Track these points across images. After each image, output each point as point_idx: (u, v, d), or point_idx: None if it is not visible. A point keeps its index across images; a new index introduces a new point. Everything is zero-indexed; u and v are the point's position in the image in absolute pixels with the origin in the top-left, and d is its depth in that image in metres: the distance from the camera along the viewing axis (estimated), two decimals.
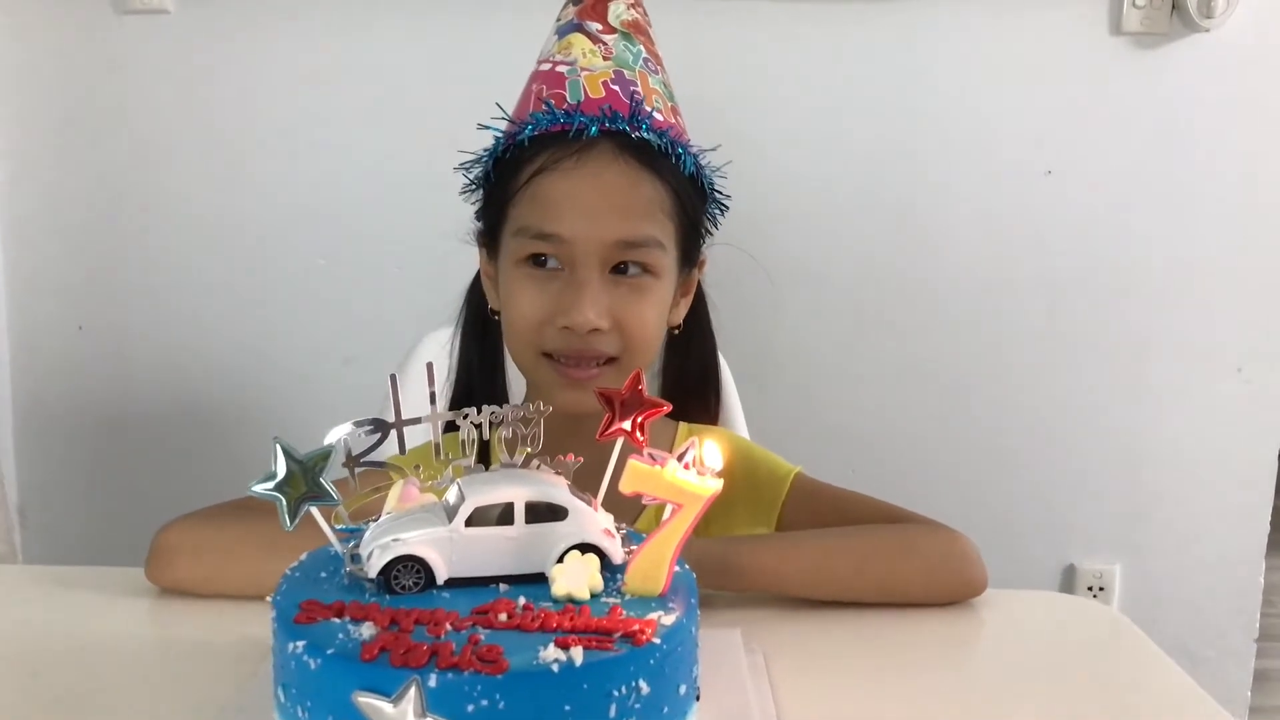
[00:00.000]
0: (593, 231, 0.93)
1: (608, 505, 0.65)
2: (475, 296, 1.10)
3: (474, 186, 1.03)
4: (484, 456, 0.67)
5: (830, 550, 0.92)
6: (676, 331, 1.06)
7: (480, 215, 1.04)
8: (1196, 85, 1.81)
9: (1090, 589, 1.94)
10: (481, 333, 1.09)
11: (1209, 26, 1.76)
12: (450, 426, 0.66)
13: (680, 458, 0.60)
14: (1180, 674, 0.82)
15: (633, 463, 0.59)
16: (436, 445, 0.65)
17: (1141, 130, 1.82)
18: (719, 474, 0.60)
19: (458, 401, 1.08)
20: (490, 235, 1.02)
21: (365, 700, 0.50)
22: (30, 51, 1.83)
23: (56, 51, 1.83)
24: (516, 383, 1.08)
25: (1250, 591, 1.94)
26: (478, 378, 1.09)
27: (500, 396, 1.08)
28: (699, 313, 1.10)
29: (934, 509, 0.97)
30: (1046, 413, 1.90)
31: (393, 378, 0.66)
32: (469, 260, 1.10)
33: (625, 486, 0.59)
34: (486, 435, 0.66)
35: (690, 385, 1.11)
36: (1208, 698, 0.78)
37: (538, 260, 0.95)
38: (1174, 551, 1.94)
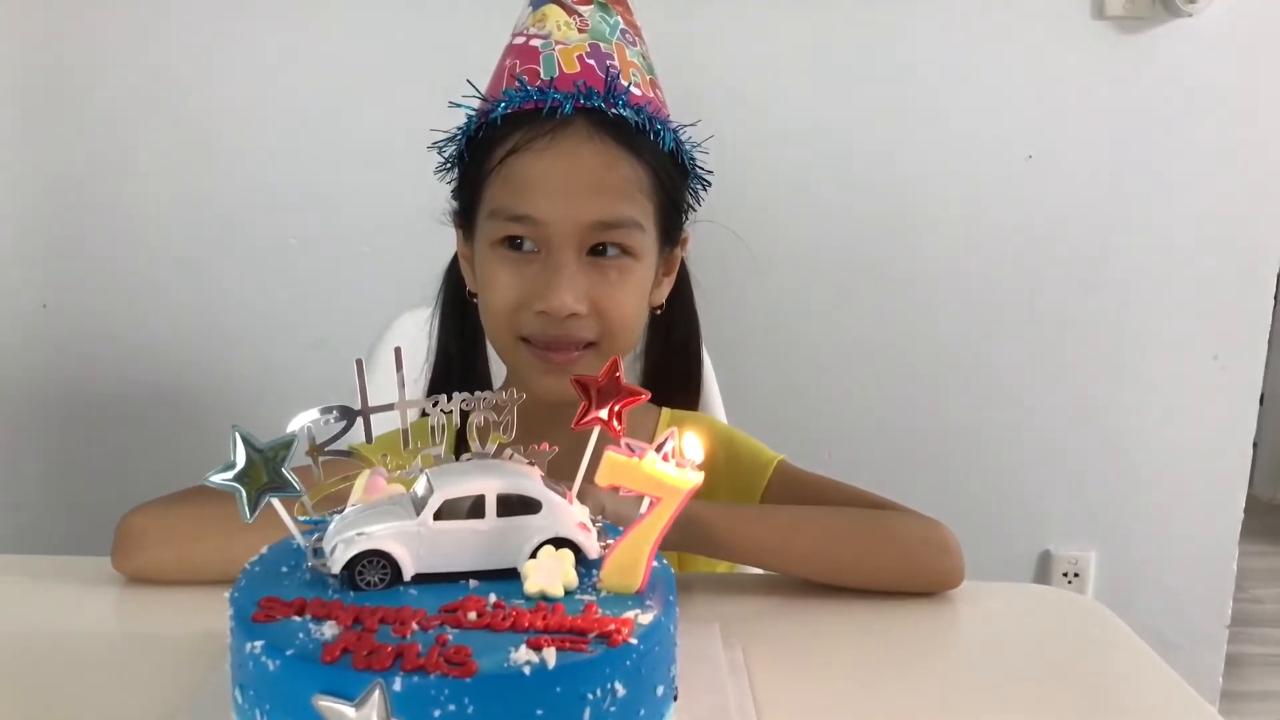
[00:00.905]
0: (568, 213, 0.90)
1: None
2: (453, 277, 1.07)
3: (448, 166, 1.00)
4: (461, 445, 0.64)
5: (805, 524, 0.91)
6: (659, 312, 1.04)
7: (456, 195, 1.01)
8: (1178, 71, 1.80)
9: (1065, 575, 1.94)
10: (460, 314, 1.06)
11: (1192, 11, 1.75)
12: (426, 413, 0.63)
13: (659, 448, 0.58)
14: (1160, 664, 0.82)
15: (609, 454, 0.57)
16: (404, 432, 0.63)
17: (1122, 115, 1.81)
18: (699, 466, 0.57)
19: (436, 385, 1.06)
20: (465, 216, 1.00)
21: (326, 704, 0.48)
22: None
23: (19, 26, 1.77)
24: (497, 365, 1.06)
25: (1224, 577, 1.96)
26: (456, 360, 1.07)
27: (480, 379, 1.06)
28: (682, 292, 1.08)
29: (911, 494, 0.96)
30: (1024, 399, 1.90)
31: (359, 363, 0.63)
32: (443, 240, 1.07)
33: (602, 478, 0.57)
34: (459, 423, 0.63)
35: (671, 368, 1.09)
36: (1191, 691, 0.78)
37: (513, 243, 0.93)
38: (1149, 538, 1.94)
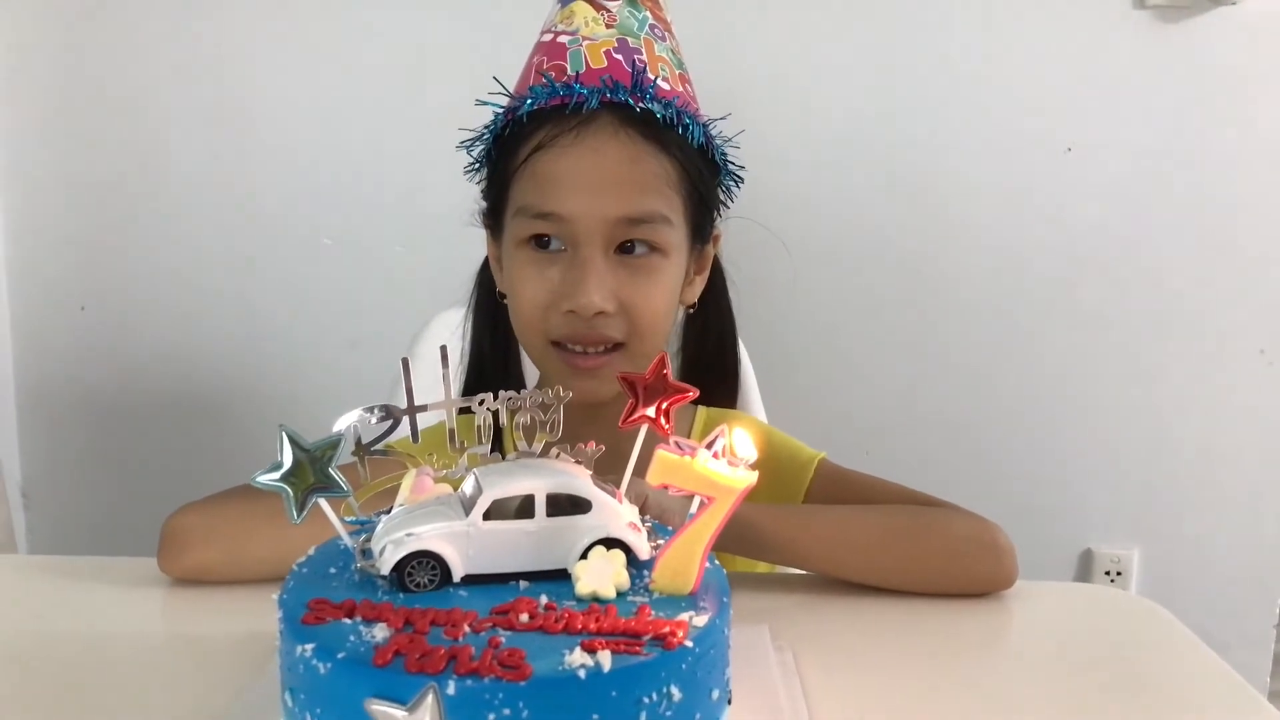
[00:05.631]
0: (594, 209, 0.89)
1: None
2: (486, 278, 1.07)
3: (477, 165, 0.99)
4: (498, 443, 0.63)
5: (853, 523, 0.89)
6: (692, 310, 1.02)
7: (484, 195, 1.00)
8: (1221, 60, 1.76)
9: (1108, 573, 1.91)
10: (493, 315, 1.06)
11: (1234, 0, 1.71)
12: (465, 410, 0.62)
13: (709, 446, 0.57)
14: (1219, 662, 0.80)
15: (661, 453, 0.56)
16: (451, 431, 0.62)
17: (1164, 106, 1.78)
18: (752, 465, 0.56)
19: (470, 385, 1.05)
20: (494, 216, 0.99)
21: (379, 708, 0.47)
22: (31, 29, 1.79)
23: (58, 29, 1.80)
24: (531, 364, 1.05)
25: (1271, 576, 1.92)
26: (490, 361, 1.06)
27: (514, 379, 1.06)
28: (716, 289, 1.06)
29: (951, 491, 0.94)
30: (1065, 395, 1.87)
31: (405, 362, 0.62)
32: (476, 240, 1.06)
33: (653, 477, 0.56)
34: (503, 422, 0.62)
35: (709, 364, 1.08)
36: (1251, 689, 0.76)
37: (540, 241, 0.92)
38: (1193, 536, 1.91)
